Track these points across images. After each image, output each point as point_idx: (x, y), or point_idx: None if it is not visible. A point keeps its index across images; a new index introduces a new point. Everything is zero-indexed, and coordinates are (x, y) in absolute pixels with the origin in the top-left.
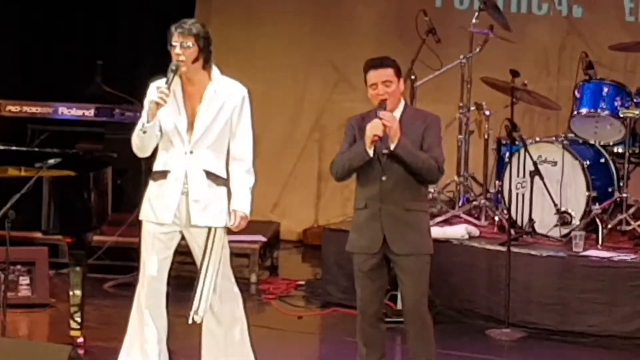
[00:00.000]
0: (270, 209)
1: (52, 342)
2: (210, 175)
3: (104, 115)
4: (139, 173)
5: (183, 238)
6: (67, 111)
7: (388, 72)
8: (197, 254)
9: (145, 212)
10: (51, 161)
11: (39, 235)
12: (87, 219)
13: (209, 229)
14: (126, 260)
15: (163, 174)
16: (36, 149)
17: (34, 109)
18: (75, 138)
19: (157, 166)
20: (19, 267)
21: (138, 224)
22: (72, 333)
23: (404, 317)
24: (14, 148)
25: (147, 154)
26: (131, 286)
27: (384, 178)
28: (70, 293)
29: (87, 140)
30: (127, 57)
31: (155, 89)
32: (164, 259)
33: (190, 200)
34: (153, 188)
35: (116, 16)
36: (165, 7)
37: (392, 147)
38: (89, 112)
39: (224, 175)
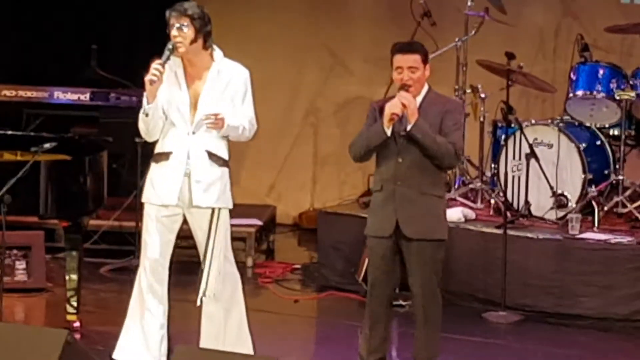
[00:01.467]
0: (266, 193)
1: (48, 327)
2: (212, 156)
3: (99, 99)
4: (134, 157)
5: (185, 222)
6: (62, 95)
7: (415, 58)
8: (198, 236)
9: (148, 195)
10: (47, 145)
11: (35, 219)
12: (83, 203)
13: (213, 210)
14: (122, 245)
15: (165, 156)
16: (32, 134)
17: (29, 94)
18: (70, 122)
19: (159, 148)
20: (15, 251)
21: (136, 207)
22: (69, 317)
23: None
24: (9, 132)
25: (155, 137)
26: (128, 270)
27: (399, 160)
28: (67, 277)
29: (82, 124)
30: (122, 41)
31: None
32: (167, 242)
33: (192, 180)
34: (155, 170)
35: (112, 0)
36: None
37: (408, 127)
38: (84, 96)
39: (226, 157)
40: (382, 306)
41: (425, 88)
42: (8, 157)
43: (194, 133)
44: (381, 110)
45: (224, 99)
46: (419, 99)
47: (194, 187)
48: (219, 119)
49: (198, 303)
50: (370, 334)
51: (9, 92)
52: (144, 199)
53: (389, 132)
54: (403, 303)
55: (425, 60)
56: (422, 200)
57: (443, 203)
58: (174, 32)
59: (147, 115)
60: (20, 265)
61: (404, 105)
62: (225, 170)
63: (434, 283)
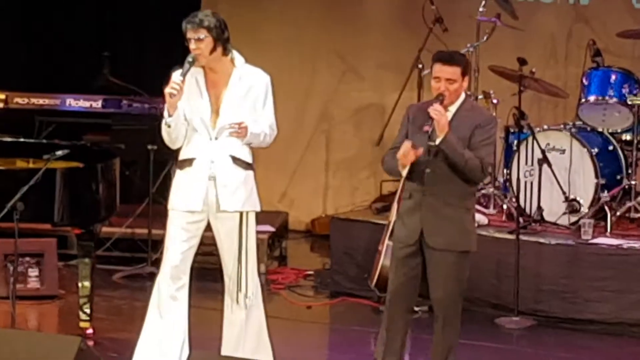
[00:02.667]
0: (279, 199)
1: (61, 334)
2: (236, 160)
3: (112, 106)
4: (146, 164)
5: (207, 228)
6: (74, 103)
7: (454, 70)
8: (222, 240)
9: (174, 201)
10: (59, 153)
11: (47, 226)
12: (95, 211)
13: (241, 214)
14: (135, 252)
15: (189, 162)
16: (44, 141)
17: (41, 101)
18: (82, 129)
19: (183, 154)
20: (27, 258)
21: (149, 214)
22: (82, 324)
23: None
24: (21, 140)
25: (179, 144)
26: (140, 277)
27: (427, 170)
28: (79, 284)
29: (94, 131)
30: (134, 48)
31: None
32: (189, 248)
33: (218, 185)
34: (180, 176)
35: (122, 7)
36: None
37: (437, 141)
38: (97, 104)
39: (250, 160)
40: (402, 312)
41: (461, 98)
42: (20, 164)
43: (216, 138)
44: (415, 118)
45: (245, 104)
46: (454, 108)
47: (220, 192)
48: (243, 128)
49: (244, 305)
50: (388, 338)
51: (21, 100)
52: (169, 206)
53: (404, 174)
54: (416, 309)
55: (464, 72)
56: (447, 211)
57: (471, 215)
58: (192, 45)
59: (169, 126)
60: (33, 272)
61: (432, 119)
62: (250, 173)
63: (455, 293)
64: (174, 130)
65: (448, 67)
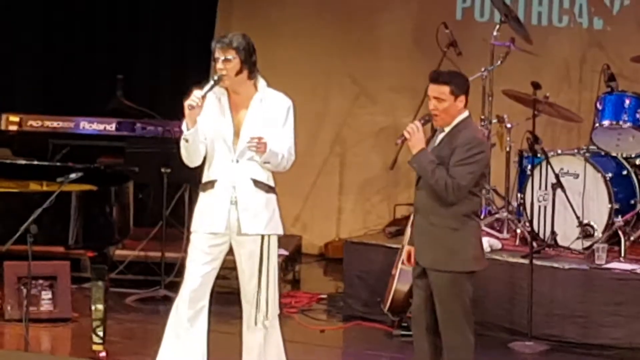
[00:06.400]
0: (292, 223)
1: (74, 357)
2: (258, 183)
3: (125, 129)
4: (160, 187)
5: (229, 252)
6: (88, 126)
7: (441, 89)
8: (243, 263)
9: (197, 223)
10: (73, 176)
11: (60, 249)
12: (109, 234)
13: (263, 237)
14: (148, 275)
15: (211, 184)
16: (58, 164)
17: (55, 124)
18: (96, 152)
19: (205, 177)
20: (41, 281)
21: (162, 238)
22: (95, 347)
23: None
24: (35, 163)
25: (197, 163)
26: (153, 300)
27: (417, 190)
28: (93, 307)
29: (108, 154)
30: (148, 71)
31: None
32: (209, 272)
33: (239, 208)
34: (202, 199)
35: (137, 30)
36: (186, 21)
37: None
38: (110, 127)
39: (272, 183)
40: (425, 333)
41: (459, 118)
42: (34, 187)
43: (237, 161)
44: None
45: (265, 126)
46: (449, 129)
47: (241, 215)
48: (262, 143)
49: (261, 327)
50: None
51: (35, 123)
52: (192, 229)
53: None
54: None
55: (454, 92)
56: (431, 231)
57: (459, 235)
58: (219, 65)
59: (187, 141)
60: (46, 295)
61: (402, 135)
62: (272, 196)
63: (454, 314)
64: (191, 145)
65: (435, 85)
